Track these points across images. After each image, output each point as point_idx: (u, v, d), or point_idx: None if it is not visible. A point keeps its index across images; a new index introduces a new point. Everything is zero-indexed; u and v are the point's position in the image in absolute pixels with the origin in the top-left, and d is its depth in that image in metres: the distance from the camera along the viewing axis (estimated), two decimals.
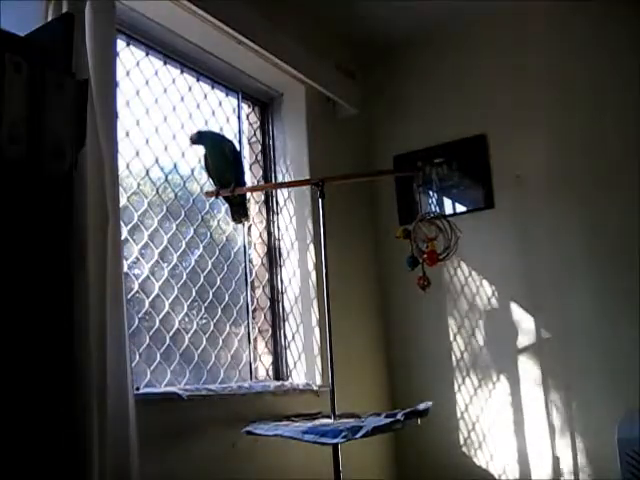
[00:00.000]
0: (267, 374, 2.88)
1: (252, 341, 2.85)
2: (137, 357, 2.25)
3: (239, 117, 3.04)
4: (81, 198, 1.67)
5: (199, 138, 2.49)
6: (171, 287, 2.48)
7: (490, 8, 3.26)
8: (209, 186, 2.58)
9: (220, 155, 2.50)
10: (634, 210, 2.86)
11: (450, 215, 3.19)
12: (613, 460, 2.23)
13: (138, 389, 2.10)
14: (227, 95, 3.00)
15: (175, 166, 2.63)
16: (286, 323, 2.99)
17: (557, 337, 3.01)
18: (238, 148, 2.94)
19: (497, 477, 3.07)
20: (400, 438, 3.28)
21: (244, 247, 2.92)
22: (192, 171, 2.70)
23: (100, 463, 1.62)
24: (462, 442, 3.19)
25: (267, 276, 3.01)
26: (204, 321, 2.65)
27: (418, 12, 3.29)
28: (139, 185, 2.41)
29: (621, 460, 2.18)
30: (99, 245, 1.77)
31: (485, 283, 3.23)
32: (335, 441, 1.96)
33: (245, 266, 2.90)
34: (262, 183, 3.09)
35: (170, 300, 2.45)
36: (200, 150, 2.55)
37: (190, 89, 2.76)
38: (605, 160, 3.00)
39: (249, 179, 3.00)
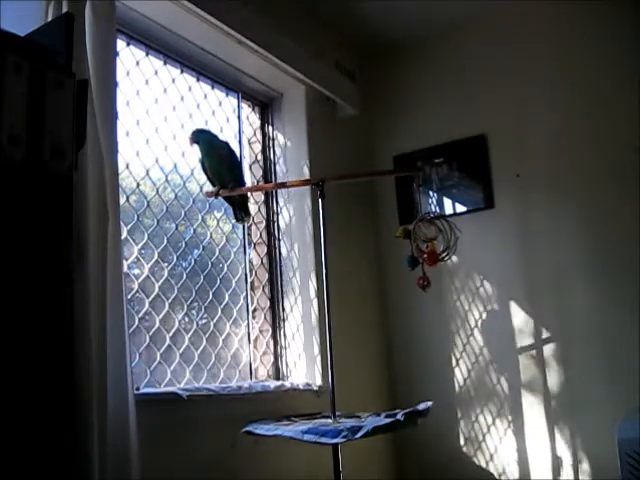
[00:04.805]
0: (267, 374, 2.88)
1: (252, 341, 2.85)
2: (137, 357, 2.25)
3: (239, 117, 3.04)
4: (81, 198, 1.67)
5: (195, 138, 2.49)
6: (171, 287, 2.48)
7: (490, 8, 3.26)
8: (209, 186, 2.58)
9: (216, 158, 2.50)
10: (634, 210, 2.86)
11: (450, 215, 3.19)
12: (613, 460, 2.23)
13: (138, 389, 2.10)
14: (227, 95, 3.00)
15: (175, 166, 2.63)
16: (286, 323, 2.99)
17: (557, 337, 3.01)
18: (237, 148, 2.95)
19: (497, 477, 3.08)
20: (400, 438, 3.28)
21: (244, 247, 2.92)
22: (192, 171, 2.70)
23: (100, 463, 1.62)
24: (462, 442, 3.19)
25: (267, 276, 3.01)
26: (204, 321, 2.65)
27: (418, 12, 3.29)
28: (139, 185, 2.41)
29: (621, 460, 2.18)
30: (99, 245, 1.77)
31: (485, 283, 3.23)
32: (335, 441, 1.96)
33: (245, 266, 2.90)
34: (262, 183, 3.09)
35: (170, 300, 2.45)
36: (198, 150, 2.55)
37: (190, 89, 2.76)
38: (605, 160, 3.00)
39: (249, 179, 3.00)
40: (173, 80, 2.67)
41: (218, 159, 2.50)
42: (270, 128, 3.19)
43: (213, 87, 2.91)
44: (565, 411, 2.95)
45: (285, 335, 2.97)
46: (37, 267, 1.27)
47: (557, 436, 2.95)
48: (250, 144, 3.11)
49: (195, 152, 2.57)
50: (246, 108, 3.13)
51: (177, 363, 2.43)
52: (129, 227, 2.33)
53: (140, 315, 2.32)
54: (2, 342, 1.18)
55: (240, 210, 2.62)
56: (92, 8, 1.90)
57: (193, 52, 2.71)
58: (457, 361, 3.25)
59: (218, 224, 2.81)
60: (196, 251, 2.66)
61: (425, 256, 2.41)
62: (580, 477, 2.87)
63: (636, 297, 2.79)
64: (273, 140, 3.18)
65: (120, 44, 2.35)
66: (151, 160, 2.49)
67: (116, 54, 2.09)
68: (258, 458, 2.40)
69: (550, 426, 2.97)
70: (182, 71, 2.73)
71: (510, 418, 3.08)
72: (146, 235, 2.40)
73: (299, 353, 2.93)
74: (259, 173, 3.11)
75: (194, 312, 2.60)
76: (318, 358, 2.87)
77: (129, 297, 2.23)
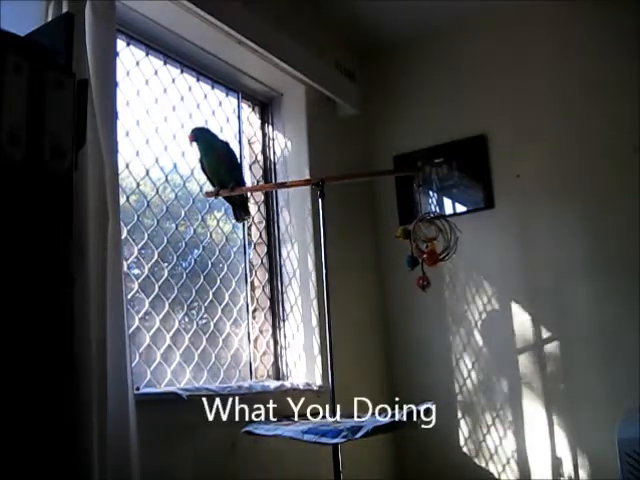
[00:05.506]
0: (267, 374, 2.88)
1: (252, 341, 2.85)
2: (137, 357, 2.25)
3: (239, 117, 3.04)
4: (81, 198, 1.67)
5: (195, 137, 2.49)
6: (171, 287, 2.48)
7: (490, 8, 3.26)
8: (209, 186, 2.58)
9: (214, 157, 2.50)
10: (634, 210, 2.86)
11: (450, 215, 3.19)
12: (613, 460, 2.22)
13: (138, 389, 2.10)
14: (227, 95, 3.00)
15: (175, 166, 2.63)
16: (286, 323, 2.99)
17: (557, 337, 3.01)
18: (237, 148, 2.94)
19: (497, 477, 3.08)
20: (400, 438, 3.28)
21: (244, 247, 2.92)
22: (192, 171, 2.70)
23: (100, 463, 1.62)
24: (462, 442, 3.19)
25: (267, 276, 3.01)
26: (204, 321, 2.65)
27: (418, 12, 3.29)
28: (139, 185, 2.41)
29: (621, 460, 2.18)
30: (99, 245, 1.77)
31: (485, 283, 3.23)
32: (335, 441, 1.95)
33: (245, 266, 2.90)
34: (262, 183, 3.09)
35: (170, 300, 2.45)
36: (197, 149, 2.55)
37: (190, 89, 2.76)
38: (605, 160, 3.01)
39: (249, 179, 3.00)
40: (173, 80, 2.67)
41: (217, 159, 2.50)
42: (270, 128, 3.19)
43: (213, 87, 2.91)
44: (565, 411, 2.95)
45: (285, 335, 2.97)
46: (37, 267, 1.27)
47: (557, 436, 2.95)
48: (250, 144, 3.10)
49: (195, 152, 2.57)
50: (246, 108, 3.13)
51: (177, 363, 2.43)
52: (129, 227, 2.32)
53: (140, 315, 2.32)
54: (2, 342, 1.18)
55: (240, 210, 2.62)
56: (92, 8, 1.90)
57: (193, 52, 2.71)
58: (457, 361, 3.25)
59: (218, 224, 2.81)
60: (196, 251, 2.66)
61: (425, 256, 2.40)
62: (580, 477, 2.87)
63: (636, 297, 2.79)
64: (273, 140, 3.18)
65: (120, 44, 2.35)
66: (151, 160, 2.49)
67: (116, 54, 2.09)
68: (258, 458, 2.40)
69: (550, 426, 2.97)
70: (182, 71, 2.73)
71: (510, 418, 3.08)
72: (146, 235, 2.40)
73: (299, 353, 2.93)
74: (259, 173, 3.11)
75: (194, 312, 2.60)
76: (318, 358, 2.87)
77: (129, 297, 2.23)
